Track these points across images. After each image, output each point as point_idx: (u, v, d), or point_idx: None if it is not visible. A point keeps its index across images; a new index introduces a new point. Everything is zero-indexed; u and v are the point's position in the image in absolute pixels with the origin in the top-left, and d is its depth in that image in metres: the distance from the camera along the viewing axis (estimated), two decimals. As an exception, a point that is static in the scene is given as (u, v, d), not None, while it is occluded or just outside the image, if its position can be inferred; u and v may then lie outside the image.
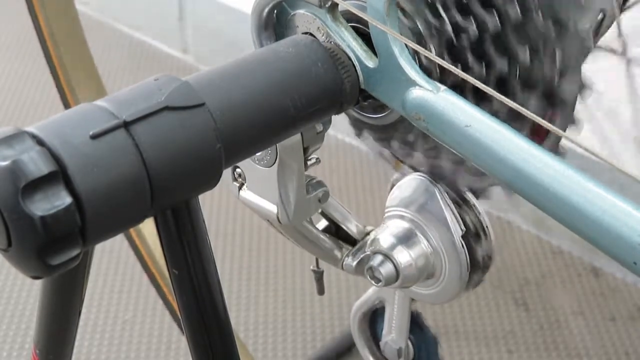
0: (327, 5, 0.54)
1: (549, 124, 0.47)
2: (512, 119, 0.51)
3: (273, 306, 1.31)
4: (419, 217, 0.62)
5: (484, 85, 0.50)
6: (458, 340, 1.25)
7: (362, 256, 0.65)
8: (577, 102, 0.56)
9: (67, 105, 1.07)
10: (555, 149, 0.56)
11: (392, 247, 0.62)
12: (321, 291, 0.77)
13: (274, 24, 0.58)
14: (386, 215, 0.64)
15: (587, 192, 0.46)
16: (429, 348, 0.74)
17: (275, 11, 0.57)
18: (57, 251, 0.42)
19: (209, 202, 1.49)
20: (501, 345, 1.24)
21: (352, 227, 0.66)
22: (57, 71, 1.05)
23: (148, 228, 1.08)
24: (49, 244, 0.41)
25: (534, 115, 0.48)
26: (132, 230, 1.09)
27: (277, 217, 0.61)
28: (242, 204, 0.63)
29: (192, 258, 0.50)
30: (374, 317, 0.75)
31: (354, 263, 0.65)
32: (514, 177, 0.48)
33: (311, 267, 0.76)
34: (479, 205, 0.62)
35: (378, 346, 0.75)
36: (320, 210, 0.66)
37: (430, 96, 0.51)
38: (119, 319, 1.30)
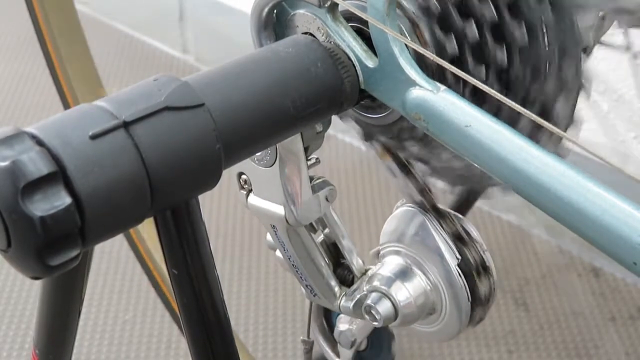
0: (326, 5, 0.54)
1: (550, 125, 0.47)
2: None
3: (273, 306, 1.31)
4: (413, 251, 0.60)
5: (484, 85, 0.50)
6: (458, 340, 1.24)
7: (359, 296, 0.63)
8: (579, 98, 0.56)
9: (66, 106, 1.07)
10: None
11: (390, 284, 0.61)
12: None
13: (274, 24, 0.58)
14: (381, 252, 0.63)
15: (587, 192, 0.46)
16: (382, 342, 0.73)
17: (275, 11, 0.57)
18: (56, 251, 0.42)
19: (209, 202, 1.49)
20: (501, 345, 1.24)
21: (354, 260, 0.64)
22: (56, 71, 1.04)
23: (148, 229, 1.08)
24: (48, 245, 0.41)
25: (534, 116, 0.48)
26: (131, 231, 1.09)
27: (285, 218, 0.61)
28: (250, 211, 0.62)
29: (192, 258, 0.50)
30: None
31: (351, 304, 0.63)
32: (514, 177, 0.48)
33: (301, 338, 0.75)
34: (481, 239, 0.61)
35: (331, 329, 0.74)
36: (322, 239, 0.64)
37: (430, 96, 0.51)
38: (119, 319, 1.30)
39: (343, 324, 0.70)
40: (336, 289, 0.64)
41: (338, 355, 0.73)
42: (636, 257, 0.44)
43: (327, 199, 0.61)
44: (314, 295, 0.65)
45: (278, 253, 0.65)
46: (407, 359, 1.22)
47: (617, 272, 1.34)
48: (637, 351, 1.22)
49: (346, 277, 0.65)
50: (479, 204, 1.42)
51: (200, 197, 0.49)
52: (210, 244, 0.51)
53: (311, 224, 0.63)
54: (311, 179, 0.60)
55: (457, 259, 0.59)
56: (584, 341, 1.24)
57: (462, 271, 0.59)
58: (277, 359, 1.23)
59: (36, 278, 0.44)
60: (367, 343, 0.73)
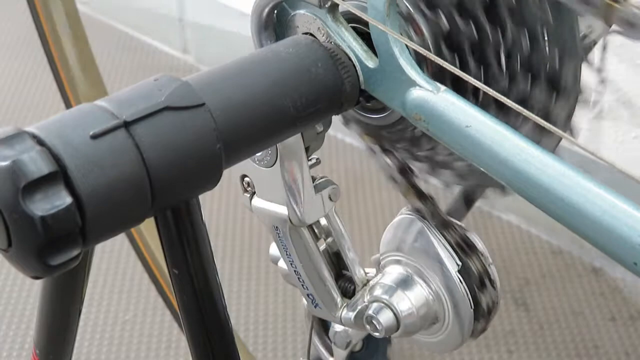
0: (327, 6, 0.54)
1: (549, 125, 0.47)
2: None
3: (273, 306, 1.31)
4: (413, 259, 0.60)
5: (484, 85, 0.50)
6: (458, 340, 1.24)
7: (360, 307, 0.62)
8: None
9: (68, 105, 1.07)
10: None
11: (391, 294, 0.60)
12: None
13: (274, 24, 0.58)
14: (382, 262, 0.62)
15: (587, 192, 0.46)
16: (377, 344, 0.73)
17: (275, 11, 0.57)
18: (57, 251, 0.42)
19: (209, 202, 1.49)
20: (501, 345, 1.24)
21: (356, 270, 0.63)
22: (58, 70, 1.04)
23: (149, 228, 1.08)
24: (49, 244, 0.41)
25: (534, 116, 0.48)
26: (132, 230, 1.09)
27: (289, 218, 0.61)
28: (254, 214, 0.62)
29: (192, 258, 0.50)
30: None
31: (353, 315, 0.62)
32: (515, 178, 0.48)
33: (301, 359, 0.74)
34: (486, 251, 0.60)
35: (326, 330, 0.73)
36: (324, 247, 0.63)
37: (431, 96, 0.51)
38: (119, 319, 1.30)
39: (339, 325, 0.69)
40: (337, 298, 0.63)
41: (332, 354, 0.72)
42: (636, 258, 0.44)
43: (330, 198, 0.60)
44: (316, 307, 0.64)
45: (280, 263, 0.65)
46: (407, 359, 1.22)
47: (617, 272, 1.34)
48: (637, 351, 1.22)
49: (347, 288, 0.64)
50: (479, 203, 1.42)
51: (200, 197, 0.49)
52: (210, 244, 0.51)
53: (314, 231, 0.63)
54: (314, 179, 0.60)
55: (458, 265, 0.59)
56: (584, 341, 1.24)
57: (463, 279, 0.59)
58: (277, 359, 1.23)
59: (37, 278, 0.44)
60: (362, 344, 0.73)
